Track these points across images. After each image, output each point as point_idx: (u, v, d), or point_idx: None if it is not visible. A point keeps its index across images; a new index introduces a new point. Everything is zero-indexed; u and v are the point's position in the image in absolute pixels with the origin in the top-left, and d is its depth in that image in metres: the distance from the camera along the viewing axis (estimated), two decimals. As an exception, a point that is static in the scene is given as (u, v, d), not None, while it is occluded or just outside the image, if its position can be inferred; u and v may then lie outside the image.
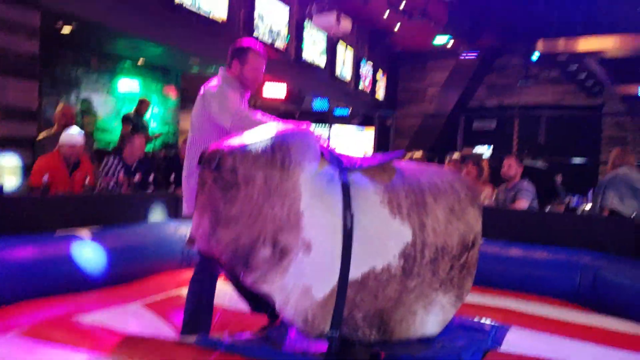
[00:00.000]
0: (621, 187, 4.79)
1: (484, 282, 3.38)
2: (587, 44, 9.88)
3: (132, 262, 3.80)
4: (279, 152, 2.06)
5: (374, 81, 13.90)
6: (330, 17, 6.30)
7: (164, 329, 2.79)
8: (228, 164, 2.00)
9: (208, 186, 2.02)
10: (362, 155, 2.69)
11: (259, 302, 2.26)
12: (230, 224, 1.97)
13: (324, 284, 2.04)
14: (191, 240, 2.07)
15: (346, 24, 6.59)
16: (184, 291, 3.53)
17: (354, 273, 2.09)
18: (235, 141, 2.07)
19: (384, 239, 2.17)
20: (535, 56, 10.71)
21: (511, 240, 3.95)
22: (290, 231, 2.01)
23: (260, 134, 2.14)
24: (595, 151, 13.04)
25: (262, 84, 3.02)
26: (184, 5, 6.75)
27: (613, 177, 4.88)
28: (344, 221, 2.08)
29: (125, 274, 3.70)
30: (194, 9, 6.92)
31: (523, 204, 4.83)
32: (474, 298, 3.22)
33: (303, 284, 2.01)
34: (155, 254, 4.00)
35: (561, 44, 10.05)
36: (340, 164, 2.27)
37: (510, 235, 4.01)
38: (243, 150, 2.02)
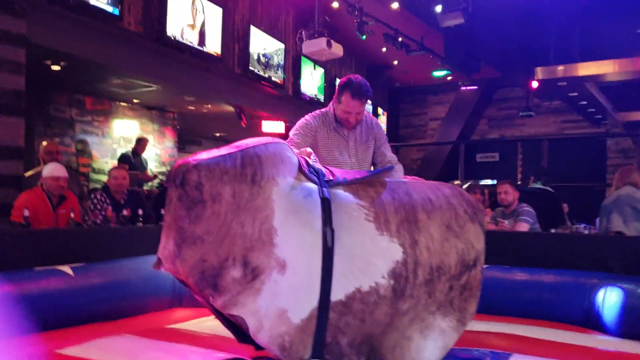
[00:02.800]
0: (624, 209, 4.60)
1: (488, 308, 3.19)
2: (586, 68, 9.82)
3: (118, 299, 3.60)
4: (249, 166, 1.90)
5: (375, 117, 13.87)
6: (321, 43, 6.26)
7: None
8: (193, 179, 1.83)
9: (173, 204, 1.86)
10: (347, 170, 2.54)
11: (245, 332, 2.04)
12: (196, 244, 1.79)
13: (302, 307, 1.84)
14: (158, 262, 1.89)
15: (337, 49, 6.55)
16: (176, 326, 3.38)
17: (337, 294, 1.89)
18: (203, 155, 1.92)
19: (370, 257, 1.98)
20: (534, 84, 10.63)
21: (516, 264, 3.74)
22: (262, 250, 1.82)
23: (232, 147, 1.99)
24: (601, 177, 12.82)
25: (355, 123, 3.08)
26: (175, 38, 6.73)
27: (616, 198, 4.70)
28: (323, 238, 1.90)
29: (111, 311, 3.49)
30: (186, 42, 6.89)
31: (524, 227, 4.65)
32: (478, 325, 3.02)
33: (278, 306, 1.81)
34: (143, 290, 3.80)
35: (560, 71, 10.00)
36: (321, 178, 2.10)
37: (515, 259, 3.80)
38: (209, 165, 1.86)
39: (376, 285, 1.96)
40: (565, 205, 8.37)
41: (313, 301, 1.85)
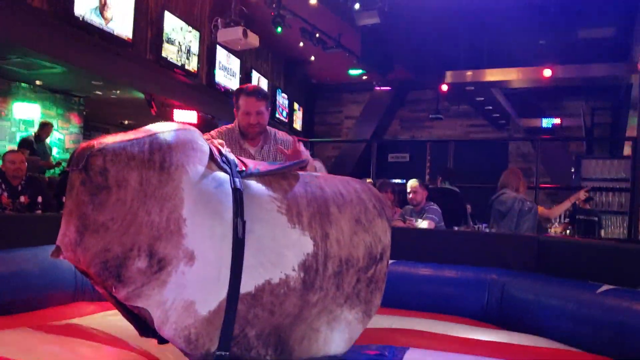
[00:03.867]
0: (494, 210, 4.92)
1: (393, 301, 3.28)
2: (492, 75, 10.33)
3: (14, 291, 3.36)
4: (158, 152, 1.82)
5: (291, 112, 13.87)
6: (237, 32, 6.16)
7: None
8: (97, 164, 1.74)
9: (75, 190, 1.75)
10: (259, 161, 2.51)
11: (148, 325, 1.97)
12: (99, 232, 1.70)
13: (210, 299, 1.80)
14: (57, 250, 1.78)
15: (253, 39, 6.48)
16: (77, 321, 3.20)
17: (247, 286, 1.87)
18: (109, 139, 1.82)
19: (281, 249, 1.97)
20: (444, 87, 11.05)
21: (420, 260, 3.86)
22: (170, 240, 1.76)
23: (140, 131, 1.91)
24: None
25: (258, 126, 2.91)
26: (84, 19, 6.40)
27: (492, 200, 5.01)
28: (234, 229, 1.87)
29: (6, 305, 3.25)
30: (95, 24, 6.58)
31: (430, 225, 4.82)
32: (380, 319, 3.07)
33: (185, 298, 1.76)
34: (42, 283, 3.57)
35: (469, 76, 10.45)
36: (233, 169, 2.07)
37: (420, 255, 3.92)
38: (115, 149, 1.77)
39: (286, 277, 1.96)
40: (468, 206, 8.75)
41: (222, 293, 1.82)
